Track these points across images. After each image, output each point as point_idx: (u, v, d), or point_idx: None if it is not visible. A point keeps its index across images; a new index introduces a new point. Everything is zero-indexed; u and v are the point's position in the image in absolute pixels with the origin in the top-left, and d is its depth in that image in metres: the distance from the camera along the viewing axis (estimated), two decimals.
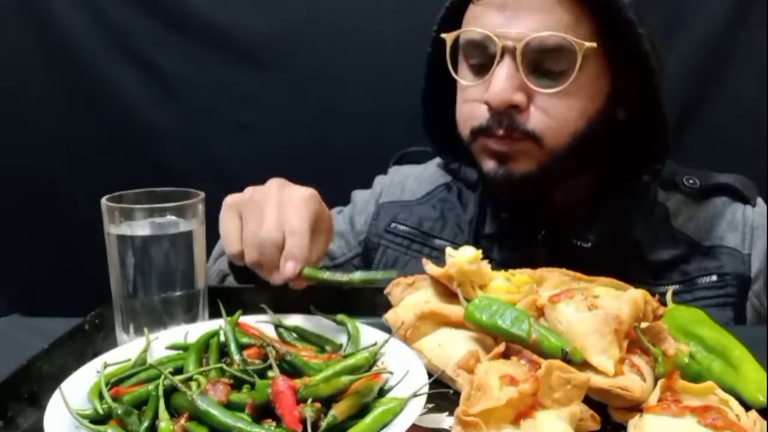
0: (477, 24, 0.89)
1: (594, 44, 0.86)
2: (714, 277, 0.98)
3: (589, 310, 0.66)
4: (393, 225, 1.12)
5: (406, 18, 1.44)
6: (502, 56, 0.87)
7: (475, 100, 0.92)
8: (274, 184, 0.81)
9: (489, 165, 0.93)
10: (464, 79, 0.94)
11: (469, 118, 0.93)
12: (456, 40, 0.93)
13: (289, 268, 0.75)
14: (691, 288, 0.98)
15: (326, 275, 0.77)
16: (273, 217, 0.76)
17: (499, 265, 1.02)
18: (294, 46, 1.49)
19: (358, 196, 1.20)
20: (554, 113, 0.88)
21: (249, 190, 0.81)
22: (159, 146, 1.56)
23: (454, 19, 0.95)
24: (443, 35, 0.94)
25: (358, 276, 0.76)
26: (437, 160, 1.17)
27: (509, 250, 1.03)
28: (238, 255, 0.80)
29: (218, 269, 1.07)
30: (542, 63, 0.87)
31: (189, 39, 1.50)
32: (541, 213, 1.00)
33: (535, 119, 0.88)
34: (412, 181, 1.17)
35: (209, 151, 1.57)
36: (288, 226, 0.76)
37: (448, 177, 1.14)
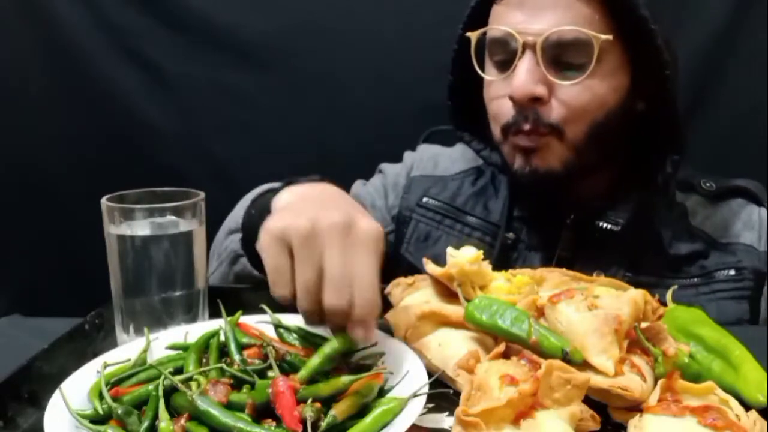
0: (499, 22, 0.94)
1: (610, 37, 0.89)
2: (732, 272, 1.01)
3: (589, 310, 0.66)
4: (425, 199, 1.13)
5: (407, 18, 1.44)
6: (523, 52, 0.91)
7: (500, 96, 0.96)
8: (338, 224, 0.63)
9: (517, 163, 0.96)
10: (490, 75, 0.98)
11: (498, 115, 0.97)
12: (481, 39, 0.97)
13: (359, 335, 0.64)
14: (708, 281, 1.01)
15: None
16: (337, 268, 0.61)
17: (527, 246, 1.04)
18: (294, 46, 1.49)
19: (388, 168, 1.20)
20: (574, 104, 0.92)
21: (304, 222, 0.63)
22: (159, 146, 1.55)
23: (479, 18, 0.98)
24: (468, 34, 0.97)
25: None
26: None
27: (538, 233, 1.06)
28: (285, 297, 0.65)
29: (231, 249, 0.98)
30: (561, 56, 0.91)
31: (189, 39, 1.50)
32: (568, 200, 1.03)
33: (557, 111, 0.92)
34: (444, 158, 1.18)
35: (209, 151, 1.57)
36: (357, 286, 0.61)
37: (480, 160, 1.14)
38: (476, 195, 1.11)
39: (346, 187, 1.24)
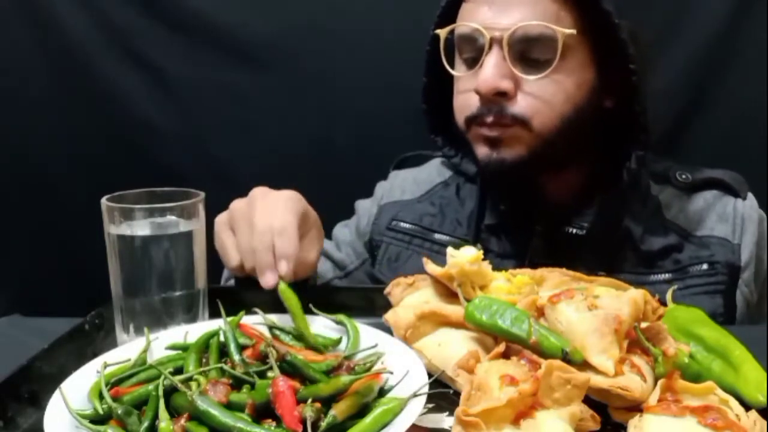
0: (468, 19, 0.95)
1: (574, 31, 0.90)
2: (705, 266, 1.01)
3: (589, 310, 0.66)
4: (394, 222, 1.16)
5: (406, 18, 1.43)
6: (490, 47, 0.92)
7: (467, 90, 0.97)
8: (257, 192, 0.84)
9: (482, 151, 0.97)
10: (458, 72, 0.99)
11: (463, 107, 0.98)
12: (451, 37, 0.98)
13: (282, 267, 0.77)
14: (682, 276, 1.01)
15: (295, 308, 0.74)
16: (261, 222, 0.78)
17: (498, 255, 1.04)
18: (294, 46, 1.49)
19: (361, 204, 1.24)
20: (541, 97, 0.93)
21: (234, 205, 0.84)
22: (159, 146, 1.55)
23: (450, 16, 0.99)
24: (437, 31, 0.99)
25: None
26: (434, 161, 1.22)
27: (507, 241, 1.06)
28: (238, 267, 0.83)
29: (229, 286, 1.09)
30: (528, 52, 0.92)
31: (189, 39, 1.50)
32: (537, 204, 1.04)
33: (523, 104, 0.93)
34: (410, 182, 1.21)
35: (209, 151, 1.56)
36: (275, 227, 0.78)
37: (444, 176, 1.18)
38: (442, 212, 1.13)
39: (345, 188, 1.25)
